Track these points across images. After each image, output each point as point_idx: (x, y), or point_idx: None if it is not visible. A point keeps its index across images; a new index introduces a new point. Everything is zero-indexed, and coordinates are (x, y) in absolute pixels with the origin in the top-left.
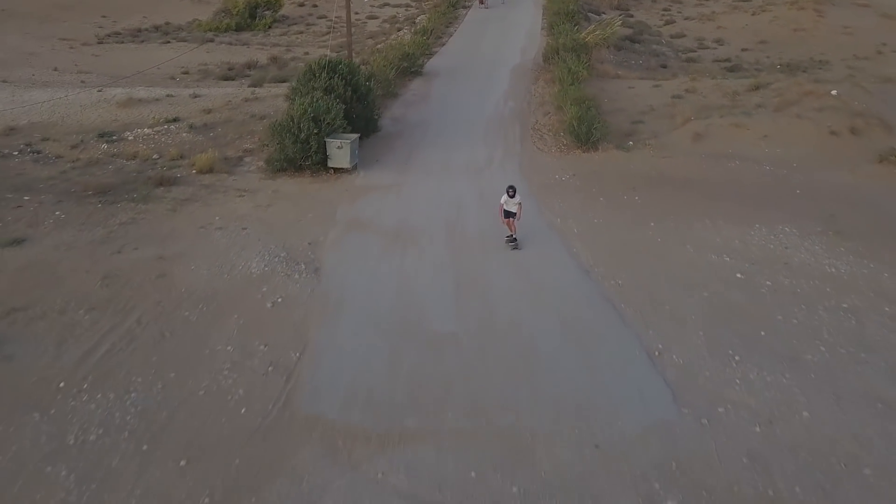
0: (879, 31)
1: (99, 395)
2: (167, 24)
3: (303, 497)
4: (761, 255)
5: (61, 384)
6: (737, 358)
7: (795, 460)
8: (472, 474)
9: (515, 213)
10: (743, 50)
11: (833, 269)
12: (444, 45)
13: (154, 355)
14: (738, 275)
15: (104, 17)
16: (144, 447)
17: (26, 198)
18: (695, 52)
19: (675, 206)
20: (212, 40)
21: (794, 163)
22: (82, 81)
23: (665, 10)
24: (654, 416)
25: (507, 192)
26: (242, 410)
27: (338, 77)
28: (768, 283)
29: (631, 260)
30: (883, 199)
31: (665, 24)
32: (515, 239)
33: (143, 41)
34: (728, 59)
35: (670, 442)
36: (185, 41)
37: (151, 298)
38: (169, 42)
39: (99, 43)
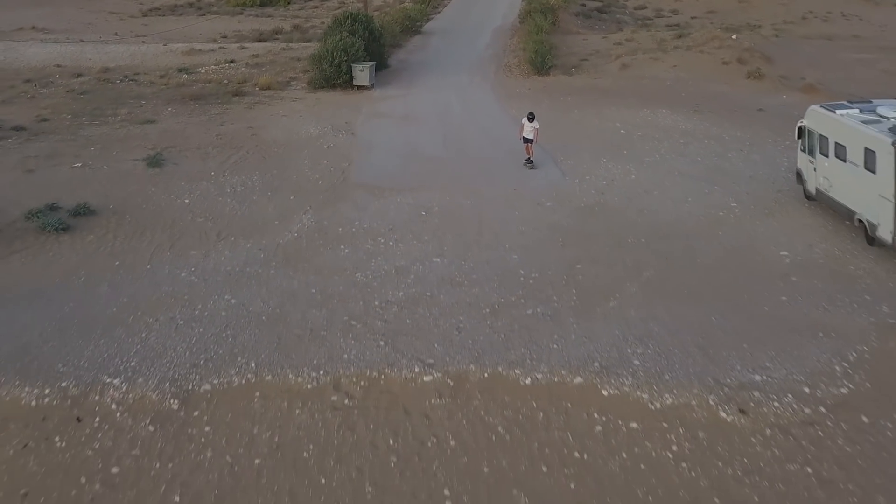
0: (810, 2)
1: (236, 177)
2: (198, 1)
3: (359, 207)
4: (641, 122)
5: (212, 173)
6: (604, 160)
7: (619, 191)
8: (447, 198)
9: (532, 139)
10: (692, 18)
11: (684, 126)
12: (439, 13)
13: (261, 163)
14: (622, 131)
15: None
16: (269, 193)
17: (143, 102)
18: (651, 19)
19: (595, 102)
20: (241, 13)
21: (690, 81)
22: (142, 41)
23: None
24: (550, 181)
25: (527, 117)
26: (320, 182)
27: (358, 23)
28: (639, 133)
29: (557, 127)
30: (737, 96)
31: None
32: (532, 161)
33: (181, 14)
34: (678, 25)
35: (555, 188)
36: (217, 14)
37: (251, 143)
38: (204, 15)
39: (143, 16)
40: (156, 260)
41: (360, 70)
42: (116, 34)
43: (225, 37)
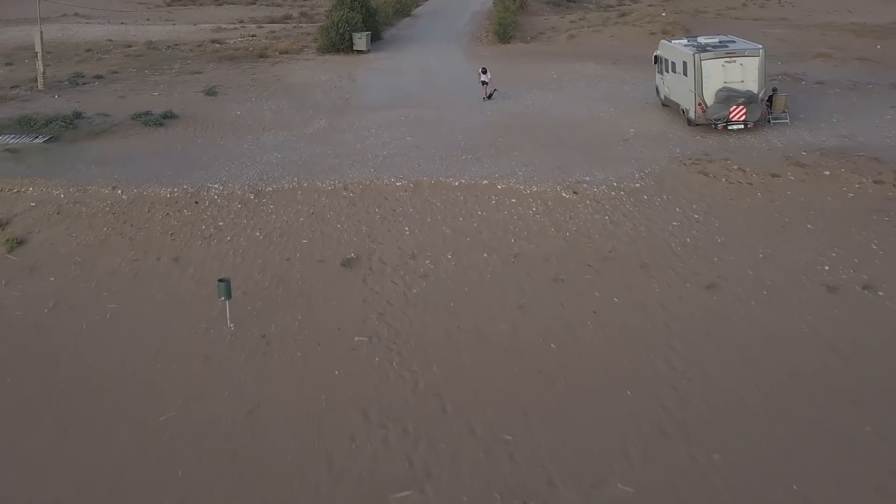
0: None
1: (270, 101)
2: None
3: (358, 117)
4: (570, 71)
5: (253, 99)
6: (535, 91)
7: (539, 106)
8: (420, 112)
9: (487, 83)
10: (649, 5)
11: (600, 73)
12: (427, 0)
13: (287, 95)
14: (554, 76)
15: None
16: (294, 110)
17: (189, 61)
18: (613, 7)
19: (541, 60)
20: (254, 2)
21: (620, 46)
22: (173, 24)
23: None
24: (493, 102)
25: (481, 70)
26: (330, 105)
27: (357, 1)
28: (566, 77)
29: (508, 75)
30: (651, 54)
31: None
32: (485, 99)
33: (201, 5)
34: (634, 11)
35: (496, 105)
36: (233, 4)
37: (277, 84)
38: (221, 5)
39: (168, 5)
40: (225, 139)
41: (359, 38)
42: (148, 19)
43: (242, 21)
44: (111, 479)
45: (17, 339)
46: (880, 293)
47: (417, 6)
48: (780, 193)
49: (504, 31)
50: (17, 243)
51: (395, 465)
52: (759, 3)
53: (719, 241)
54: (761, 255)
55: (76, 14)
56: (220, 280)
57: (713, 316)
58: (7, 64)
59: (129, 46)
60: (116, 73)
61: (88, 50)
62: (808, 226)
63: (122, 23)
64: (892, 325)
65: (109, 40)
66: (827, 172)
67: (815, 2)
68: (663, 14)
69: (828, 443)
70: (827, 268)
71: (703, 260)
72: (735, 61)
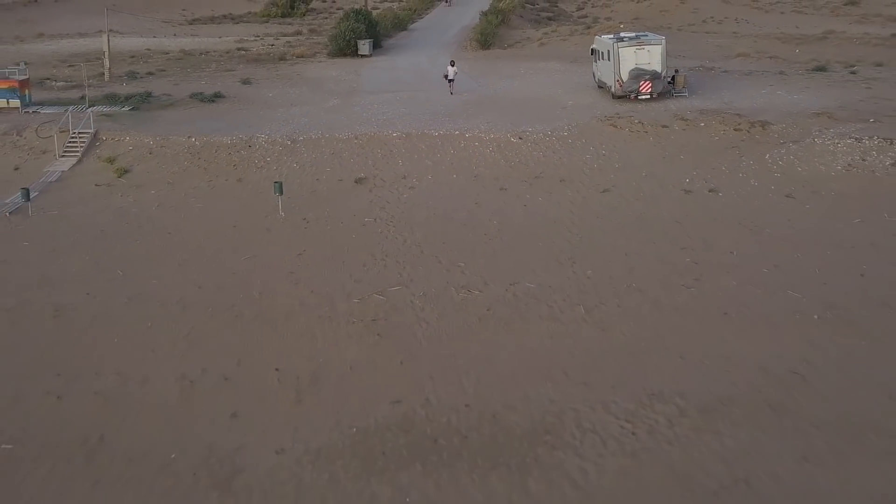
0: (714, 10)
1: (293, 89)
2: (230, 13)
3: (363, 97)
4: (536, 67)
5: (280, 86)
6: (504, 81)
7: (504, 91)
8: (411, 94)
9: (453, 79)
10: (619, 23)
11: (559, 68)
12: (422, 18)
13: (306, 84)
14: (522, 71)
15: (183, 9)
16: (314, 93)
17: (222, 62)
18: (585, 23)
19: (514, 61)
20: (267, 21)
21: (581, 50)
22: (199, 37)
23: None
24: (469, 88)
25: (450, 63)
26: (341, 90)
27: (361, 14)
28: (531, 72)
29: (485, 71)
30: None
31: (577, 10)
32: (451, 93)
33: (219, 23)
34: (599, 24)
35: (471, 90)
36: (248, 22)
37: (298, 78)
38: (238, 23)
39: (190, 24)
40: (262, 111)
41: (363, 44)
42: (175, 34)
43: (259, 35)
44: (216, 286)
45: (137, 223)
46: (720, 194)
47: (413, 22)
48: (665, 137)
49: (485, 39)
50: (124, 172)
51: (391, 276)
52: (718, 20)
53: (616, 166)
54: (644, 174)
55: (111, 30)
56: (275, 182)
57: (603, 207)
58: (70, 66)
59: (167, 53)
60: (164, 70)
61: (132, 56)
62: (681, 157)
63: (154, 36)
64: (721, 209)
65: (147, 49)
66: (702, 124)
67: (769, 20)
68: (621, 25)
69: (664, 268)
70: (688, 180)
71: (603, 177)
72: (644, 48)
